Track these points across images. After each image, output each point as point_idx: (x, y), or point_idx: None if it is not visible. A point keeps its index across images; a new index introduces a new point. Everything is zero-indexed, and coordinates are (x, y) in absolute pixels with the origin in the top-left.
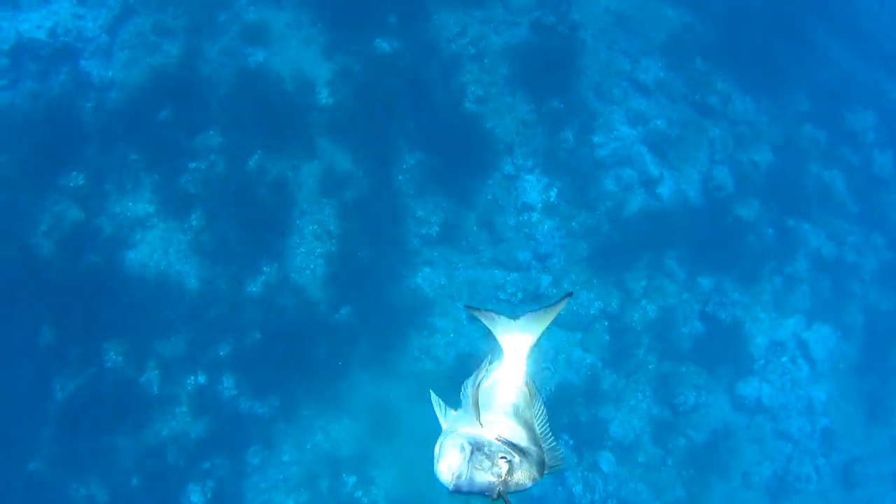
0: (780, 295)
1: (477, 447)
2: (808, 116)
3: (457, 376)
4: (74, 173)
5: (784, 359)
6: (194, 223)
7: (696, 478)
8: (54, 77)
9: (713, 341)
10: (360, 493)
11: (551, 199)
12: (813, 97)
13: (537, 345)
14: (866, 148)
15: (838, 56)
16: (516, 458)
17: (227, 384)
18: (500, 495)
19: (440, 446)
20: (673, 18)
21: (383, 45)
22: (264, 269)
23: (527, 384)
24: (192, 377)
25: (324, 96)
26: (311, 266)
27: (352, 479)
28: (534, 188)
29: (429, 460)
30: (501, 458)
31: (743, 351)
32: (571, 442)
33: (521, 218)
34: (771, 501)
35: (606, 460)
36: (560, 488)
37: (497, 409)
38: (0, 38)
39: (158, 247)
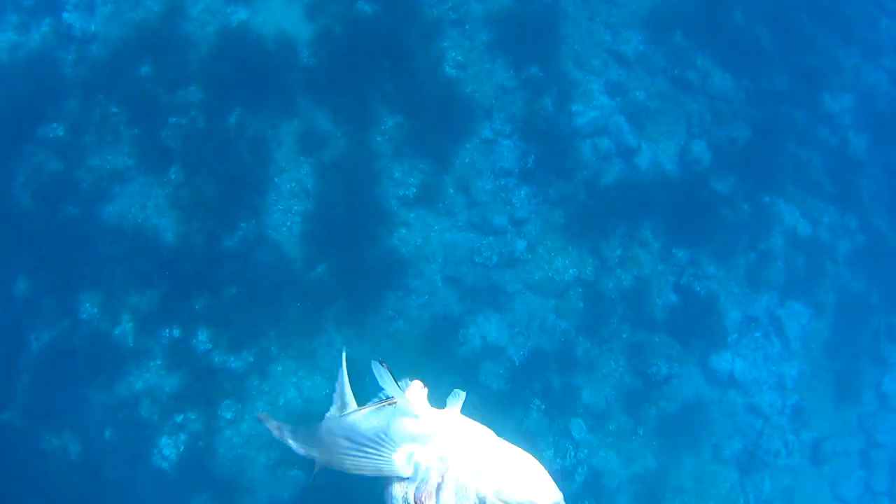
0: (755, 270)
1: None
2: (787, 96)
3: (431, 337)
4: (54, 125)
5: (757, 334)
6: (173, 177)
7: (666, 448)
8: (35, 29)
9: (687, 313)
10: None
11: (528, 166)
12: (793, 78)
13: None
14: (843, 129)
15: (822, 42)
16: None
17: (202, 338)
18: None
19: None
20: None
21: (365, 7)
22: (241, 224)
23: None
24: (167, 330)
25: (305, 56)
26: (288, 223)
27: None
28: (511, 154)
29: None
30: None
31: (717, 324)
32: (543, 407)
33: (497, 182)
34: (740, 475)
35: (577, 427)
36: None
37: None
38: None
39: (136, 200)
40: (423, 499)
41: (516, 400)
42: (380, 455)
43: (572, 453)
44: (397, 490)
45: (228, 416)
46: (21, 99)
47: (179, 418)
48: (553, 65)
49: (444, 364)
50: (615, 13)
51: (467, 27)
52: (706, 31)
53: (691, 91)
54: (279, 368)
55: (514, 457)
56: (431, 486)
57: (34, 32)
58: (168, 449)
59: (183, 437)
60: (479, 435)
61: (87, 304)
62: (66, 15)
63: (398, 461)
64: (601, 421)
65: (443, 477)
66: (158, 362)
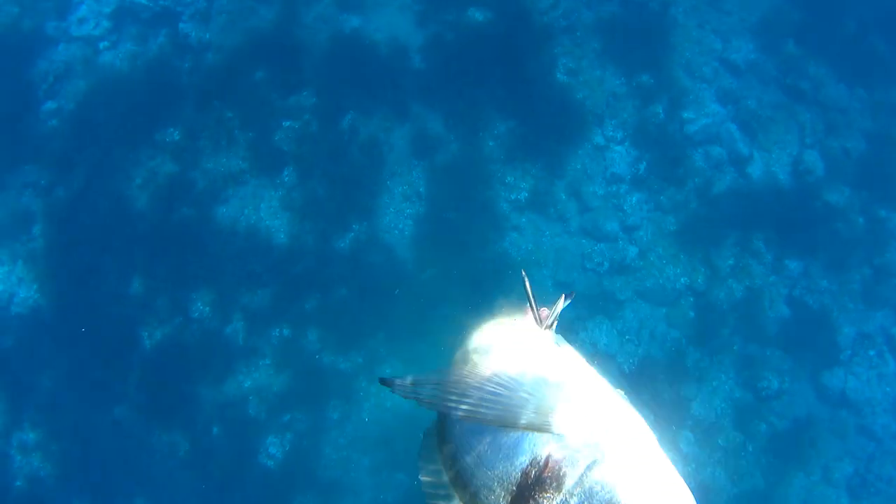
0: (870, 286)
1: None
2: None
3: None
4: (171, 129)
5: (871, 352)
6: (286, 180)
7: (775, 467)
8: (153, 39)
9: (799, 327)
10: None
11: (640, 172)
12: None
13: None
14: None
15: None
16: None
17: (312, 338)
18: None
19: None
20: (764, 1)
21: (476, 14)
22: (353, 226)
23: None
24: (278, 330)
25: (417, 61)
26: (400, 226)
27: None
28: (623, 160)
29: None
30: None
31: (829, 340)
32: (652, 417)
33: (609, 189)
34: (850, 500)
35: (686, 440)
36: None
37: None
38: (102, 3)
39: (250, 202)
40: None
41: None
42: (536, 410)
43: (680, 465)
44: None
45: (335, 416)
46: (139, 105)
47: (287, 417)
48: (664, 72)
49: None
50: (725, 21)
51: (578, 34)
52: (818, 40)
53: (804, 100)
54: (388, 370)
55: (668, 480)
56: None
57: (152, 43)
58: (274, 448)
59: (289, 436)
60: (643, 439)
61: (199, 303)
62: (182, 25)
63: (556, 421)
64: (710, 435)
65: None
66: (268, 361)
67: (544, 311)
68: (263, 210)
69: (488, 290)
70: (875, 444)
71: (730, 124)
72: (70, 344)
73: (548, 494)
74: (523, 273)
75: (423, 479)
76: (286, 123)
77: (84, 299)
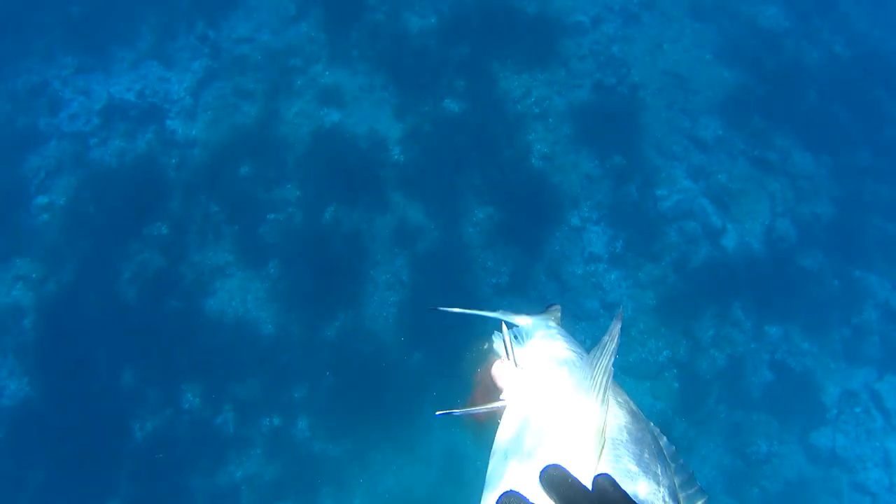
0: (850, 345)
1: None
2: (870, 171)
3: None
4: (158, 224)
5: (857, 409)
6: (272, 272)
7: None
8: (141, 135)
9: (784, 390)
10: None
11: (617, 251)
12: (874, 153)
13: None
14: None
15: None
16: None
17: (302, 426)
18: None
19: None
20: (729, 79)
21: (452, 106)
22: (339, 315)
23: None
24: (268, 419)
25: (396, 153)
26: (384, 314)
27: None
28: (600, 239)
29: None
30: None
31: (815, 400)
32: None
33: (588, 268)
34: None
35: None
36: None
37: None
38: (93, 100)
39: (237, 294)
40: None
41: None
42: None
43: None
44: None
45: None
46: (128, 200)
47: None
48: (635, 152)
49: None
50: (692, 100)
51: (551, 120)
52: (783, 113)
53: (772, 171)
54: (378, 457)
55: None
56: None
57: (140, 139)
58: None
59: None
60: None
61: (190, 395)
62: (169, 122)
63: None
64: None
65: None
66: (259, 451)
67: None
68: (250, 301)
69: (474, 374)
70: (870, 498)
71: (702, 199)
72: (61, 437)
73: None
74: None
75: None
76: (271, 216)
77: (75, 392)
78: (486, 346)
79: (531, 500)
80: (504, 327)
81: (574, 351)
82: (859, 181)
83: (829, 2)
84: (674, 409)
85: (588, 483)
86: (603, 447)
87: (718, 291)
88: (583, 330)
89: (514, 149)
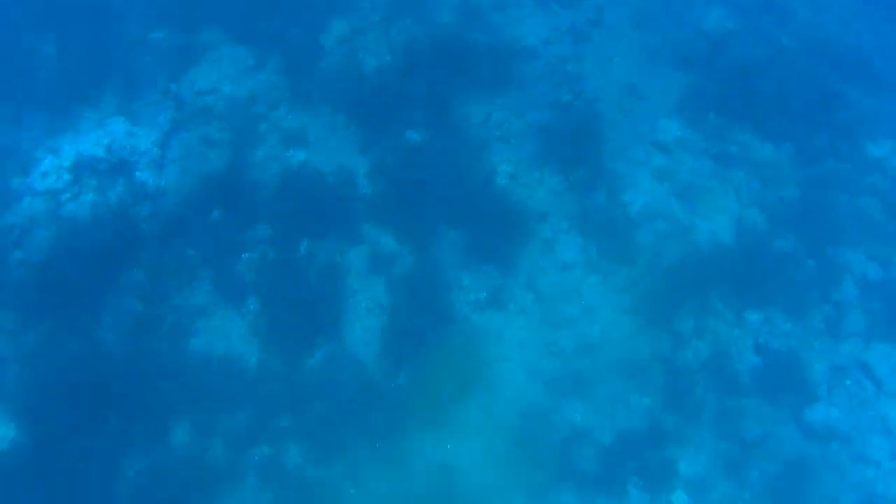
0: (832, 321)
1: None
2: (830, 152)
3: (519, 429)
4: (135, 271)
5: (847, 382)
6: (251, 307)
7: None
8: (112, 189)
9: (771, 372)
10: None
11: (591, 257)
12: (832, 135)
13: None
14: (893, 171)
15: (853, 96)
16: None
17: (292, 452)
18: None
19: None
20: (682, 82)
21: (414, 136)
22: (320, 344)
23: None
24: (258, 449)
25: (363, 185)
26: (367, 339)
27: None
28: (572, 249)
29: None
30: None
31: (803, 378)
32: (641, 483)
33: (563, 276)
34: None
35: (680, 500)
36: None
37: None
38: (63, 157)
39: (219, 332)
40: None
41: (613, 480)
42: None
43: None
44: None
45: None
46: (103, 251)
47: None
48: (599, 163)
49: (536, 454)
50: (648, 106)
51: (512, 141)
52: (738, 108)
53: (735, 163)
54: (370, 475)
55: None
56: None
57: (111, 192)
58: None
59: None
60: None
61: (179, 431)
62: (138, 174)
63: None
64: (703, 490)
65: None
66: (251, 480)
67: None
68: (233, 338)
69: (461, 389)
70: (874, 468)
71: (669, 199)
72: (51, 479)
73: None
74: None
75: None
76: (245, 255)
77: (62, 434)
78: None
79: None
80: None
81: None
82: (821, 163)
83: None
84: (662, 404)
85: None
86: None
87: (695, 285)
88: (565, 336)
89: (479, 171)
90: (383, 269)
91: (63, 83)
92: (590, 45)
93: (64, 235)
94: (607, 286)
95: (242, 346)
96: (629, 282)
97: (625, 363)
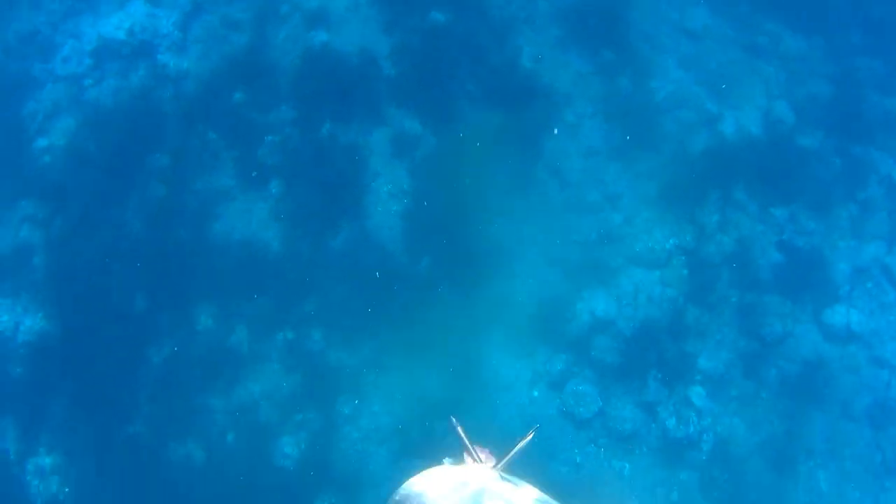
0: (857, 221)
1: None
2: (862, 49)
3: (539, 318)
4: (158, 155)
5: (869, 284)
6: (273, 191)
7: (792, 410)
8: (134, 73)
9: (794, 270)
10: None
11: (615, 143)
12: (866, 30)
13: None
14: None
15: None
16: None
17: (316, 338)
18: None
19: None
20: None
21: (438, 16)
22: (343, 228)
23: None
24: (281, 334)
25: (386, 67)
26: (389, 224)
27: (442, 425)
28: (596, 133)
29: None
30: None
31: (825, 278)
32: (660, 376)
33: (587, 162)
34: (873, 431)
35: (697, 394)
36: (653, 424)
37: None
38: (84, 42)
39: (241, 216)
40: None
41: (632, 372)
42: None
43: (695, 421)
44: None
45: (346, 411)
46: (127, 135)
47: (299, 417)
48: (625, 47)
49: (556, 343)
50: None
51: (537, 23)
52: None
53: (764, 55)
54: (394, 361)
55: None
56: None
57: (133, 76)
58: (290, 447)
59: (304, 435)
60: None
61: (203, 316)
62: (160, 57)
63: None
64: (721, 387)
65: None
66: (275, 365)
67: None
68: (255, 222)
69: (483, 274)
70: (889, 371)
71: (696, 87)
72: (79, 366)
73: None
74: (453, 420)
75: None
76: (268, 138)
77: (90, 322)
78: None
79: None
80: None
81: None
82: (853, 59)
83: None
84: (685, 295)
85: None
86: None
87: (720, 177)
88: (587, 223)
89: (503, 53)
90: (406, 151)
91: None
92: None
93: (87, 121)
94: (631, 174)
95: (264, 231)
96: (653, 170)
97: (648, 253)
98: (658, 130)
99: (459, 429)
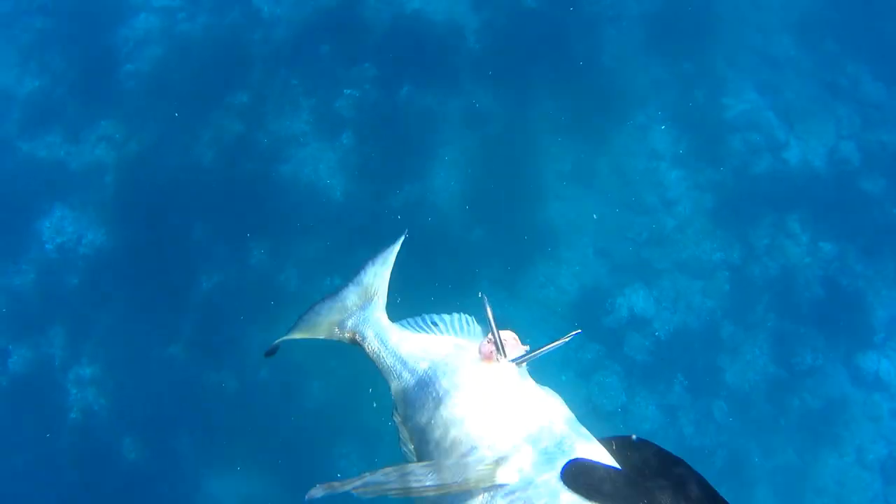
0: None
1: None
2: None
3: (579, 305)
4: (239, 93)
5: None
6: (345, 143)
7: (808, 444)
8: (228, 12)
9: (833, 307)
10: None
11: (680, 151)
12: None
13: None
14: None
15: None
16: None
17: None
18: None
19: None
20: (804, 1)
21: (529, 1)
22: (405, 187)
23: None
24: (329, 279)
25: (471, 42)
26: (450, 189)
27: None
28: (663, 139)
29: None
30: None
31: (863, 322)
32: (686, 383)
33: (650, 165)
34: (884, 484)
35: (719, 409)
36: (671, 428)
37: None
38: None
39: (309, 162)
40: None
41: (660, 373)
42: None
43: (713, 434)
44: None
45: None
46: (211, 71)
47: (333, 364)
48: (705, 61)
49: (591, 332)
50: (766, 18)
51: (624, 24)
52: (857, 40)
53: (841, 95)
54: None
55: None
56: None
57: (226, 15)
58: (319, 391)
59: (334, 381)
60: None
61: (257, 251)
62: (255, 1)
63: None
64: (743, 406)
65: None
66: None
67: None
68: (322, 170)
69: (531, 254)
70: None
71: (767, 112)
72: (132, 284)
73: None
74: (484, 298)
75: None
76: (347, 91)
77: (148, 243)
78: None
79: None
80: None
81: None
82: None
83: None
84: (723, 309)
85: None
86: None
87: (777, 202)
88: (640, 223)
89: (586, 47)
90: (476, 125)
91: None
92: None
93: (175, 52)
94: (690, 183)
95: (329, 179)
96: (713, 183)
97: (694, 262)
98: (724, 146)
99: (488, 308)
